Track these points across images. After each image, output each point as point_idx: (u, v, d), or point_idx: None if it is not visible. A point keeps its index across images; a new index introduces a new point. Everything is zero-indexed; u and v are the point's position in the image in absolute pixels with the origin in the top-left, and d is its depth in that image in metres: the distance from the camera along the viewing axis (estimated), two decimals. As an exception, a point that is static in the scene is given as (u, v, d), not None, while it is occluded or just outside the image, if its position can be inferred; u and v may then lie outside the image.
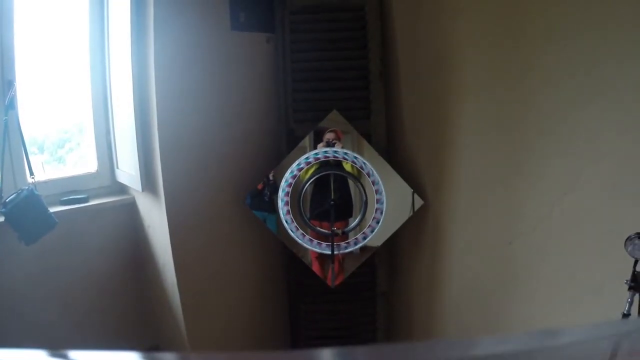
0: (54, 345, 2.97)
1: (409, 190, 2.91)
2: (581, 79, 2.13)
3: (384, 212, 2.90)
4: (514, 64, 2.39)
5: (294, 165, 2.88)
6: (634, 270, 1.78)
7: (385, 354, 0.72)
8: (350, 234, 2.96)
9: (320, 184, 2.92)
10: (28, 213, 2.56)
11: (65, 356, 0.71)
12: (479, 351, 0.71)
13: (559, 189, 2.28)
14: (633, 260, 1.77)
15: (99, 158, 3.11)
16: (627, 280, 1.79)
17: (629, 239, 1.76)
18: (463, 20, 2.61)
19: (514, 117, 2.43)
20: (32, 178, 2.65)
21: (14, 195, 2.55)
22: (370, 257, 3.04)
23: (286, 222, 2.93)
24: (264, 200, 2.96)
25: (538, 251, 2.42)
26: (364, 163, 2.86)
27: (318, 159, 2.88)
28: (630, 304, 1.79)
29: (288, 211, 2.92)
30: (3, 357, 0.67)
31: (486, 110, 2.57)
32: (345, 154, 2.87)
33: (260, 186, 2.97)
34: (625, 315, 1.81)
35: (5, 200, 2.53)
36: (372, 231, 2.92)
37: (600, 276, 2.16)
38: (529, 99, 2.35)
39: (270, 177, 2.93)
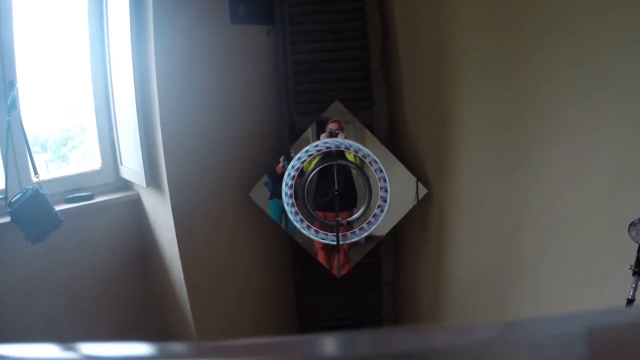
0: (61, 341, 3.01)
1: (412, 179, 2.91)
2: (584, 68, 2.12)
3: (388, 201, 2.90)
4: (515, 53, 2.38)
5: (299, 155, 2.88)
6: (638, 256, 1.78)
7: (385, 339, 0.72)
8: (355, 224, 2.96)
9: (324, 175, 2.92)
10: (33, 212, 2.56)
11: (76, 349, 0.72)
12: (479, 336, 0.72)
13: (562, 176, 2.28)
14: (637, 245, 1.77)
15: (102, 155, 3.12)
16: (631, 266, 1.79)
17: (632, 224, 1.76)
18: (463, 9, 2.60)
19: (516, 106, 2.42)
20: (37, 177, 2.65)
21: (19, 195, 2.56)
22: (376, 247, 3.05)
23: (292, 215, 2.94)
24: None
25: (543, 239, 2.42)
26: (364, 151, 2.86)
27: (328, 148, 2.88)
28: (635, 289, 1.79)
29: (293, 204, 2.92)
30: (15, 352, 0.68)
31: (488, 99, 2.56)
32: (349, 144, 2.87)
33: (280, 169, 2.95)
34: (630, 301, 1.81)
35: (10, 200, 2.54)
36: (376, 220, 2.93)
37: (605, 263, 2.16)
38: (531, 87, 2.34)
39: (291, 153, 2.93)
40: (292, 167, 2.89)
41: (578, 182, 2.22)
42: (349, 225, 2.96)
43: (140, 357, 0.70)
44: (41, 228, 2.60)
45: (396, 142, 3.07)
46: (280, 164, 2.93)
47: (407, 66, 2.97)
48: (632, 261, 1.79)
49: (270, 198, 2.99)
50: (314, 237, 2.96)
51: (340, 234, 2.90)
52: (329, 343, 0.68)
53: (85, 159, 3.27)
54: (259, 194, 2.97)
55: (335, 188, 2.90)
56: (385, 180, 2.88)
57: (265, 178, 2.96)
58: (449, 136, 2.79)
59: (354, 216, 2.96)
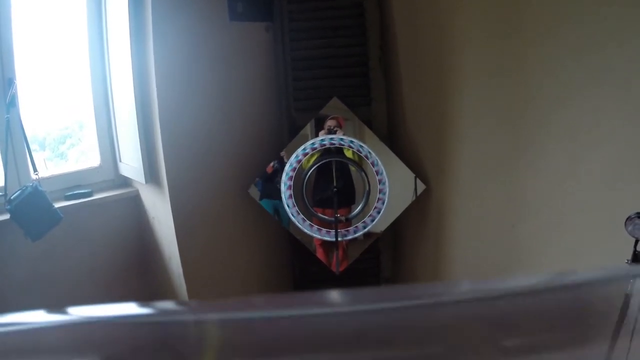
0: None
1: (411, 175, 2.92)
2: (582, 66, 2.13)
3: (386, 198, 2.91)
4: (513, 49, 2.39)
5: (297, 151, 2.89)
6: (635, 250, 1.78)
7: (387, 295, 0.74)
8: (354, 220, 2.97)
9: (322, 172, 2.93)
10: (33, 209, 2.57)
11: (66, 312, 0.73)
12: (492, 290, 0.73)
13: (560, 172, 2.28)
14: (633, 240, 1.77)
15: (101, 152, 3.12)
16: (628, 260, 1.79)
17: (629, 218, 1.77)
18: (462, 7, 2.60)
19: (515, 102, 2.42)
20: (36, 174, 2.65)
21: (19, 192, 2.56)
22: (374, 243, 3.06)
23: (289, 208, 2.94)
24: (276, 187, 2.96)
25: (541, 234, 2.43)
26: (365, 149, 2.87)
27: (324, 145, 2.89)
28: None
29: (290, 195, 2.93)
30: (6, 321, 0.70)
31: (487, 95, 2.56)
32: (350, 141, 2.87)
33: (270, 169, 2.97)
34: (627, 295, 1.81)
35: (10, 198, 2.54)
36: (375, 217, 2.93)
37: (602, 257, 2.17)
38: (529, 84, 2.34)
39: (283, 155, 2.93)
40: (296, 156, 2.89)
41: (575, 178, 2.23)
42: (348, 222, 2.97)
43: (139, 315, 0.71)
44: (40, 225, 2.61)
45: (395, 139, 3.08)
46: (271, 164, 2.94)
47: (405, 63, 2.97)
48: (629, 255, 1.79)
49: (261, 198, 3.00)
50: (312, 234, 2.96)
51: (338, 230, 2.91)
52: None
53: (83, 157, 3.26)
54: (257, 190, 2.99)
55: (333, 185, 2.90)
56: (383, 177, 2.89)
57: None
58: (447, 132, 2.80)
59: (353, 213, 2.97)
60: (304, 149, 2.89)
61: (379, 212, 2.93)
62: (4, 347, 0.70)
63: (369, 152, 2.87)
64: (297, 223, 2.95)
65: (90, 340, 0.71)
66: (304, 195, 2.94)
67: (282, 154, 2.93)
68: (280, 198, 2.95)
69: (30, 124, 2.89)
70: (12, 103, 2.61)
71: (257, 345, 0.68)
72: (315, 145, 2.89)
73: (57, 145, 3.26)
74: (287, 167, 2.90)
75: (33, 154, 2.72)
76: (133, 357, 0.70)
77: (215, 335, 0.69)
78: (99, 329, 0.71)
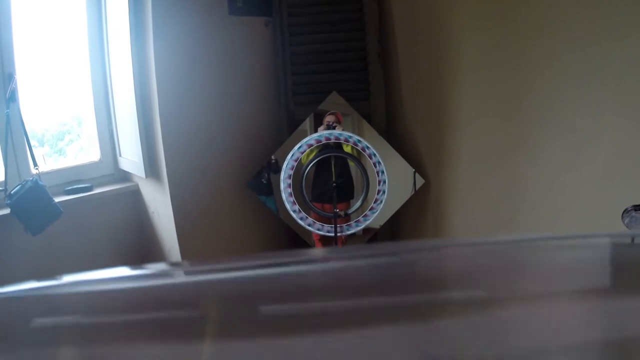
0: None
1: (410, 169, 2.93)
2: (580, 59, 2.14)
3: (385, 192, 2.92)
4: (512, 43, 2.40)
5: (295, 148, 2.89)
6: (632, 243, 1.79)
7: (375, 250, 0.75)
8: (353, 215, 2.98)
9: (322, 167, 2.94)
10: (33, 204, 2.57)
11: (60, 279, 0.74)
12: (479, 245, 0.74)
13: (558, 165, 2.29)
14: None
15: (101, 147, 3.12)
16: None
17: (625, 211, 1.77)
18: (460, 0, 2.61)
19: (513, 96, 2.43)
20: (36, 169, 2.66)
21: (19, 186, 2.56)
22: (373, 238, 3.06)
23: (289, 204, 2.95)
24: (262, 182, 2.98)
25: (539, 227, 2.43)
26: (364, 144, 2.87)
27: (320, 141, 2.89)
28: (629, 275, 1.81)
29: (290, 194, 2.94)
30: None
31: (485, 89, 2.57)
32: (358, 140, 2.88)
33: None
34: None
35: (10, 192, 2.55)
36: (374, 212, 2.94)
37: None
38: (527, 78, 2.35)
39: (273, 158, 2.95)
40: (300, 147, 2.90)
41: (573, 171, 2.24)
42: (347, 217, 2.97)
43: (136, 276, 0.72)
44: (41, 219, 2.61)
45: (393, 133, 3.09)
46: None
47: (404, 57, 2.98)
48: (626, 248, 1.80)
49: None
50: (311, 229, 2.97)
51: (337, 225, 2.91)
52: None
53: (82, 153, 3.27)
54: (257, 184, 3.02)
55: (332, 180, 2.91)
56: (383, 172, 2.89)
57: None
58: (446, 126, 2.80)
59: (352, 208, 2.97)
60: (309, 140, 2.89)
61: (378, 207, 2.93)
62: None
63: (367, 147, 2.87)
64: (297, 219, 2.96)
65: (94, 304, 0.72)
66: (303, 190, 2.94)
67: (273, 159, 2.95)
68: (267, 194, 2.98)
69: (29, 120, 2.89)
70: (12, 98, 2.61)
71: (253, 297, 0.70)
72: (321, 138, 2.89)
73: (56, 142, 3.26)
74: (288, 157, 2.90)
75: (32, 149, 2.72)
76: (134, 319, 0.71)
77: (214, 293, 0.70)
78: (102, 295, 0.71)
